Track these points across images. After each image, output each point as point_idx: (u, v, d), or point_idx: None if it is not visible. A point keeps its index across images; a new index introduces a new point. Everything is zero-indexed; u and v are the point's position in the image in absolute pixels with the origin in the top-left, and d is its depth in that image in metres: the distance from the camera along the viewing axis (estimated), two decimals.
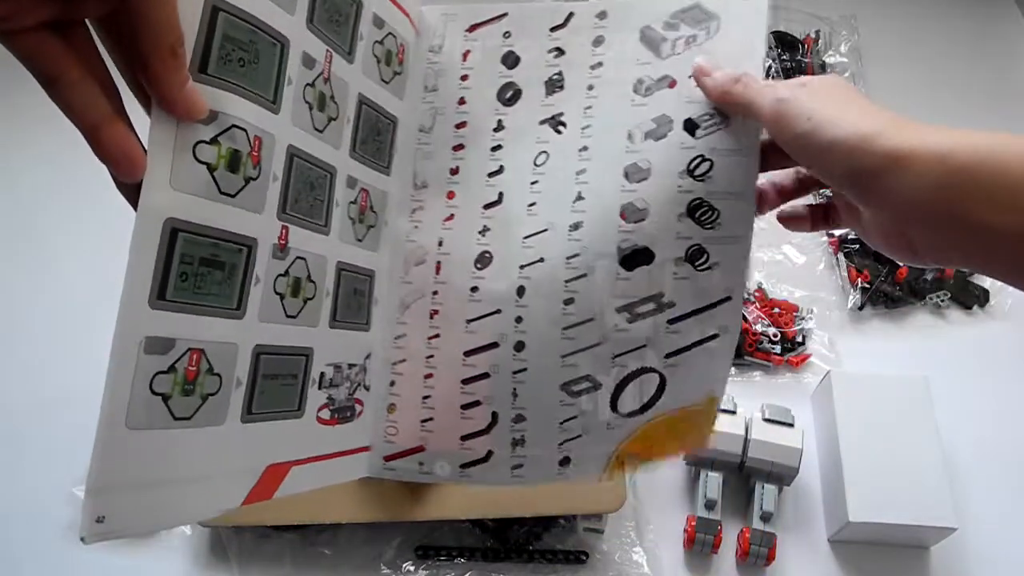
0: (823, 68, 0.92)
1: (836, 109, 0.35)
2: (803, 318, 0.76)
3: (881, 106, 0.36)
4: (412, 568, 0.63)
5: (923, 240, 0.34)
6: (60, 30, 0.27)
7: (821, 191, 0.53)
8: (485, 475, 0.45)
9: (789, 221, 0.46)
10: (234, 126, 0.33)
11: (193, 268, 0.31)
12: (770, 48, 0.92)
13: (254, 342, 0.36)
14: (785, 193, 0.45)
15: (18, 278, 0.81)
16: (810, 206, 0.45)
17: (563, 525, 0.65)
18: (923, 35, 0.99)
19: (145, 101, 0.30)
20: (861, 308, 0.78)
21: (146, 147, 0.29)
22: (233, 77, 0.33)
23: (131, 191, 0.30)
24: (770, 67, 0.89)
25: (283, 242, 0.37)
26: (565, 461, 0.44)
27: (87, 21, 0.29)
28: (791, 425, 0.64)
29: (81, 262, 0.81)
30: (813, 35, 0.95)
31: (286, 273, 0.38)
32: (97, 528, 0.28)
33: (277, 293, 0.37)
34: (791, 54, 0.92)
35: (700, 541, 0.63)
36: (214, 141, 0.32)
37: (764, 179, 0.44)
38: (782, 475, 0.64)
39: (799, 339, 0.75)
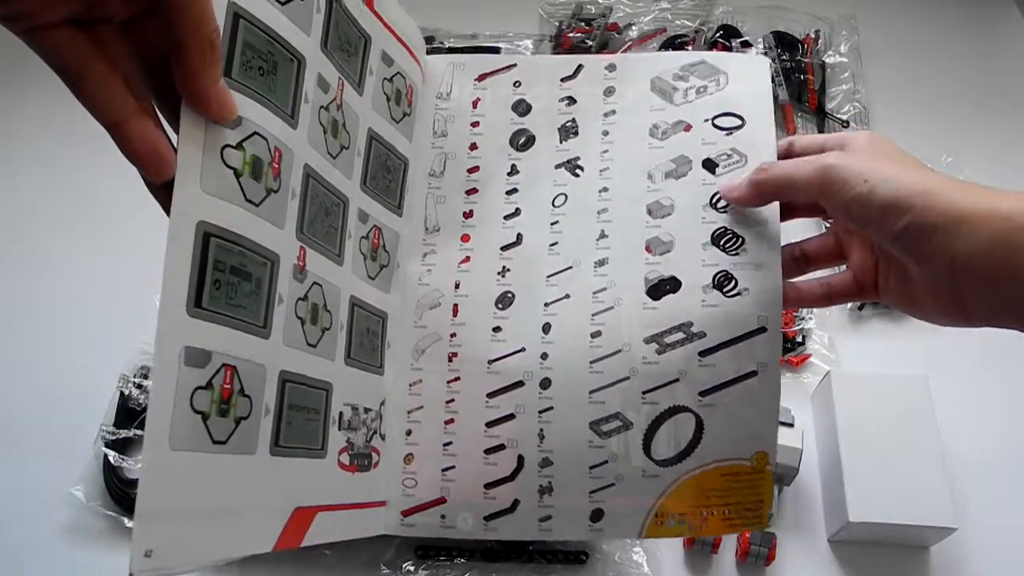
0: (823, 68, 0.92)
1: (891, 169, 0.35)
2: (803, 318, 0.76)
3: (927, 165, 0.36)
4: (412, 568, 0.63)
5: (977, 298, 0.33)
6: (84, 27, 0.27)
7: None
8: (511, 528, 0.43)
9: (826, 297, 0.43)
10: (256, 133, 0.32)
11: (225, 276, 0.30)
12: (770, 48, 0.92)
13: (280, 367, 0.34)
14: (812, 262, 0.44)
15: (17, 277, 0.81)
16: (847, 275, 0.43)
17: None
18: (923, 35, 0.99)
19: (169, 113, 0.29)
20: (861, 308, 0.78)
21: (175, 149, 0.29)
22: (254, 85, 0.33)
23: (162, 193, 0.29)
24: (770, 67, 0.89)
25: (301, 264, 0.36)
26: (597, 515, 0.43)
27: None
28: (791, 425, 0.64)
29: (80, 262, 0.81)
30: (813, 35, 0.95)
31: (305, 297, 0.37)
32: (146, 563, 0.27)
33: (298, 317, 0.36)
34: (791, 54, 0.92)
35: (700, 541, 0.63)
36: (239, 146, 0.31)
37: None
38: (782, 475, 0.64)
39: (799, 339, 0.75)
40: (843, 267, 0.44)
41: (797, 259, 0.44)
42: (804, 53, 0.92)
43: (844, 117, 0.89)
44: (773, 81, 0.88)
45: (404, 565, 0.63)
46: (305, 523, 0.36)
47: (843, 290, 0.43)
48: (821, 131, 0.88)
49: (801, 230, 0.44)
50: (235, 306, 0.31)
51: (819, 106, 0.89)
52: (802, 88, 0.90)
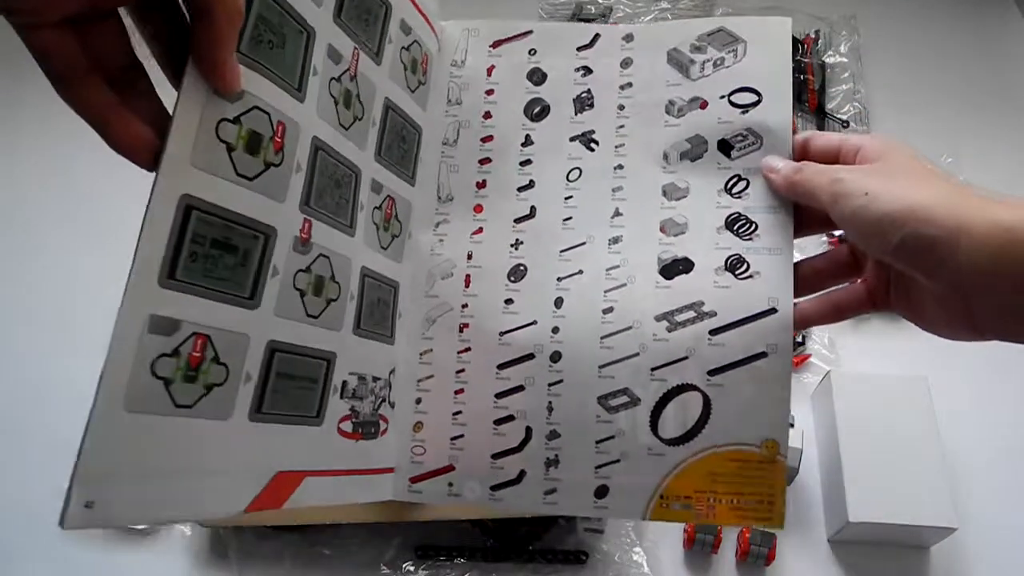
0: (823, 68, 0.92)
1: (892, 181, 0.35)
2: None
3: (943, 172, 0.36)
4: (412, 568, 0.63)
5: (984, 308, 0.33)
6: (78, 25, 0.27)
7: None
8: (516, 499, 0.43)
9: (840, 310, 0.42)
10: (256, 107, 0.33)
11: (204, 249, 0.30)
12: None
13: (268, 337, 0.35)
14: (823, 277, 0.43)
15: (16, 275, 0.81)
16: (859, 287, 0.42)
17: (563, 525, 0.65)
18: (923, 35, 0.99)
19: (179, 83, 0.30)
20: None
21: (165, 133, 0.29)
22: (261, 58, 0.33)
23: None
24: None
25: (305, 236, 0.36)
26: (602, 491, 0.43)
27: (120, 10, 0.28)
28: (791, 425, 0.64)
29: (79, 258, 0.81)
30: (813, 35, 0.95)
31: (308, 269, 0.37)
32: (85, 513, 0.26)
33: (297, 289, 0.36)
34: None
35: (700, 541, 0.63)
36: (236, 120, 0.32)
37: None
38: None
39: (799, 339, 0.75)
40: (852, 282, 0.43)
41: (809, 276, 0.43)
42: (804, 53, 0.92)
43: (844, 117, 0.89)
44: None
45: (404, 565, 0.63)
46: (289, 487, 0.36)
47: (854, 303, 0.42)
48: (821, 131, 0.88)
49: (812, 248, 0.44)
50: (214, 278, 0.31)
51: (819, 106, 0.89)
52: (802, 88, 0.90)
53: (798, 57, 0.92)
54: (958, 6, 1.02)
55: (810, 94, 0.89)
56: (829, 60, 0.94)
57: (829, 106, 0.90)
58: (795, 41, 0.94)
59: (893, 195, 0.34)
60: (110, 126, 0.28)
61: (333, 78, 0.38)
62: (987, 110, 0.92)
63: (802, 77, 0.90)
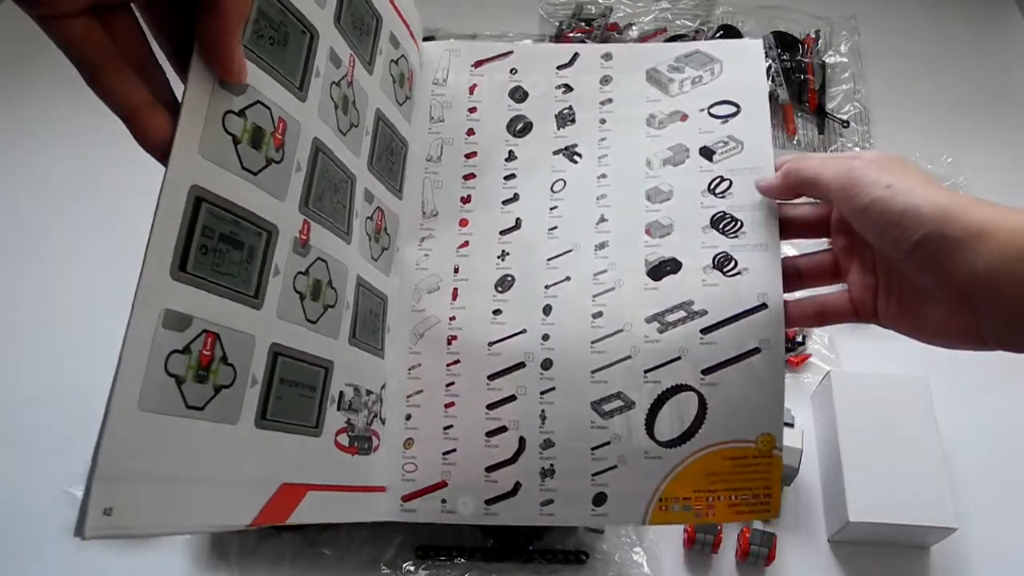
0: (823, 68, 0.92)
1: (911, 180, 0.34)
2: None
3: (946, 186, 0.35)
4: (412, 568, 0.63)
5: (994, 317, 0.32)
6: (101, 15, 0.27)
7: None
8: (512, 512, 0.43)
9: (826, 316, 0.42)
10: (259, 102, 0.33)
11: (213, 242, 0.30)
12: (770, 48, 0.92)
13: (272, 339, 0.34)
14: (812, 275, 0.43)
15: (17, 276, 0.81)
16: (844, 295, 0.42)
17: (563, 525, 0.65)
18: (923, 35, 0.99)
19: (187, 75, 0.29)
20: None
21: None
22: (263, 54, 0.33)
23: None
24: (770, 67, 0.89)
25: (304, 237, 0.36)
26: (600, 499, 0.42)
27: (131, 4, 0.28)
28: (791, 425, 0.64)
29: (81, 260, 0.81)
30: (813, 35, 0.95)
31: (307, 272, 0.36)
32: (104, 522, 0.25)
33: (297, 291, 0.36)
34: (791, 54, 0.92)
35: (700, 541, 0.63)
36: (242, 113, 0.32)
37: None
38: (782, 475, 0.64)
39: (799, 339, 0.75)
40: (839, 287, 0.43)
41: (790, 275, 0.43)
42: (804, 53, 0.92)
43: (844, 117, 0.89)
44: (773, 81, 0.88)
45: (404, 565, 0.63)
46: (293, 500, 0.35)
47: (838, 311, 0.41)
48: (821, 131, 0.88)
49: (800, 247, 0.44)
50: (221, 273, 0.31)
51: (819, 106, 0.89)
52: (802, 88, 0.90)
53: (798, 57, 0.92)
54: (958, 6, 1.01)
55: (810, 94, 0.89)
56: (829, 60, 0.94)
57: (829, 106, 0.90)
58: (795, 41, 0.94)
59: (917, 190, 0.33)
60: (142, 120, 0.28)
61: (333, 82, 0.38)
62: (987, 110, 0.92)
63: (802, 77, 0.90)
